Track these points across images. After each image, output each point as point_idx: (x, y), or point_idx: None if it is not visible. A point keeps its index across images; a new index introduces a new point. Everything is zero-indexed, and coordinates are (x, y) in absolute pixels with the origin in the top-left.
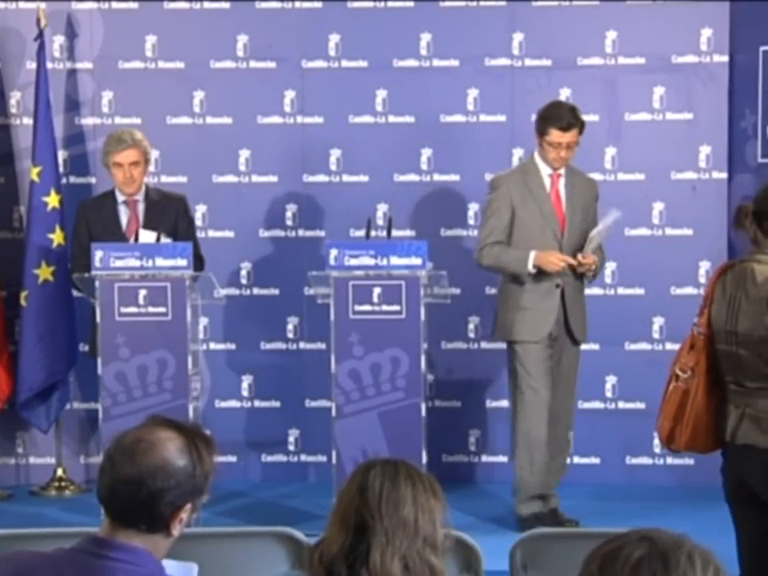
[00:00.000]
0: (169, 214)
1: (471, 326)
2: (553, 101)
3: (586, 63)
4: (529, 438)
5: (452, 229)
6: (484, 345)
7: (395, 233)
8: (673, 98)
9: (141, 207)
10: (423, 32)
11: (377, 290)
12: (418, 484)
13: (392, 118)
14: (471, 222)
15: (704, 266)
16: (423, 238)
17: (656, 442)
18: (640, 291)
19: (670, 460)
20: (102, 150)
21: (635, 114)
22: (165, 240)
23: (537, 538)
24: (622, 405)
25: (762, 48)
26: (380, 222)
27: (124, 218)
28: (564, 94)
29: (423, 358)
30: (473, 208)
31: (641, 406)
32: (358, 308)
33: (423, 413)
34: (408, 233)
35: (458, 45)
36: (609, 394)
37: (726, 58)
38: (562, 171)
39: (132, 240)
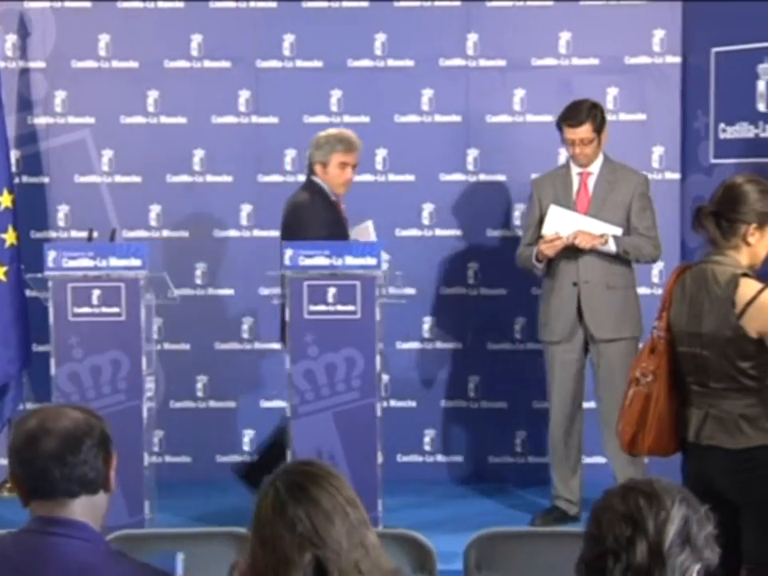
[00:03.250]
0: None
1: (426, 326)
2: (577, 99)
3: (540, 64)
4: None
5: (407, 229)
6: (439, 345)
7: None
8: (626, 99)
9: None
10: (378, 32)
11: (332, 290)
12: (325, 480)
13: (347, 118)
14: (426, 222)
15: (658, 267)
16: (379, 237)
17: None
18: None
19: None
20: (318, 147)
21: None
22: None
23: (490, 538)
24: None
25: (713, 49)
26: None
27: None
28: (518, 95)
29: (378, 358)
30: (427, 208)
31: (592, 405)
32: (312, 308)
33: (378, 413)
34: None
35: (412, 45)
36: None
37: (678, 59)
38: (594, 169)
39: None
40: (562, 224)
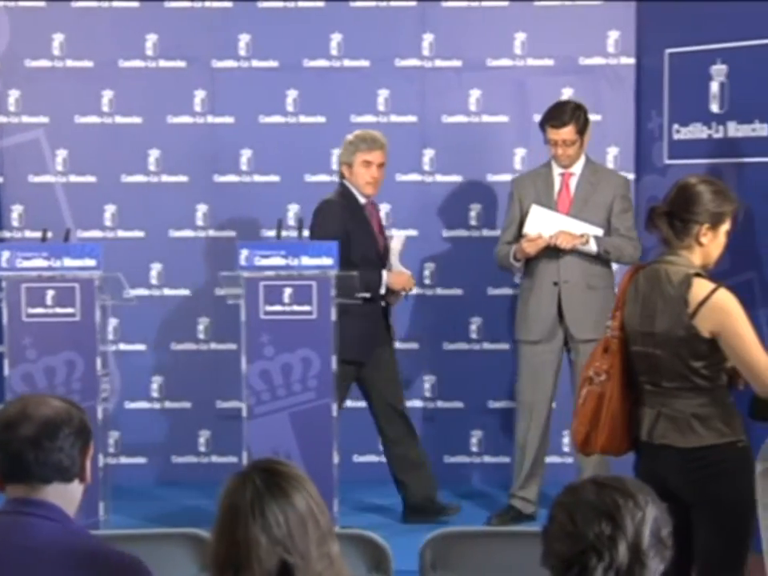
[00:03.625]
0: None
1: None
2: (559, 100)
3: (495, 64)
4: (516, 437)
5: None
6: (395, 344)
7: (306, 233)
8: (581, 100)
9: (375, 209)
10: (333, 32)
11: (288, 291)
12: (298, 482)
13: (303, 119)
14: (383, 222)
15: (613, 267)
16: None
17: (565, 440)
18: None
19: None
20: (344, 149)
21: None
22: None
23: (446, 537)
24: None
25: (667, 51)
26: (291, 222)
27: (374, 221)
28: (474, 95)
29: (334, 359)
30: (383, 208)
31: (551, 405)
32: (268, 308)
33: (334, 413)
34: None
35: (368, 45)
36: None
37: (632, 60)
38: (576, 170)
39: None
40: (543, 224)
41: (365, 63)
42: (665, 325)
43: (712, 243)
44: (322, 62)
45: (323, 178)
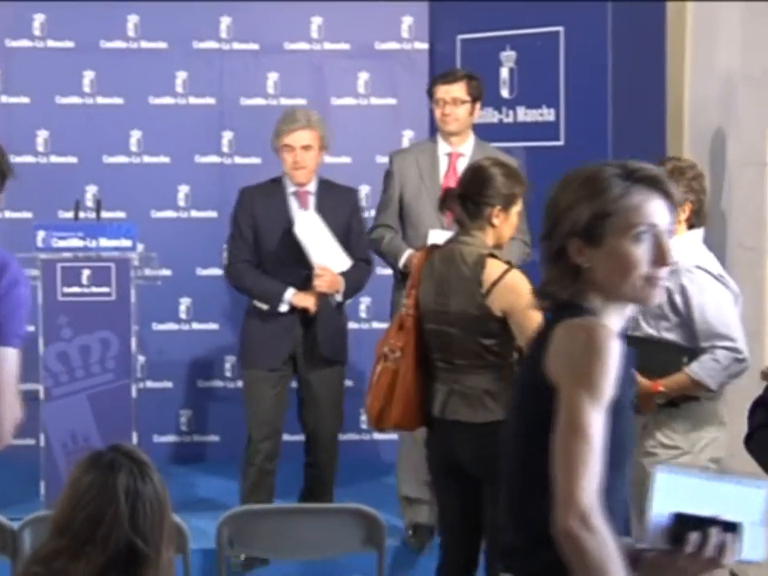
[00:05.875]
0: (341, 209)
1: (183, 307)
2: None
3: (292, 48)
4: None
5: (162, 210)
6: (195, 325)
7: (105, 214)
8: (377, 84)
9: (311, 200)
10: (131, 13)
11: (86, 272)
12: (160, 478)
13: (100, 100)
14: (182, 203)
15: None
16: (133, 219)
17: (363, 418)
18: None
19: (377, 435)
20: (274, 130)
21: (341, 99)
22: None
23: (242, 515)
24: None
25: (459, 37)
26: (89, 203)
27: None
28: (272, 78)
29: (134, 340)
30: (183, 190)
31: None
32: (66, 290)
33: (134, 394)
34: (118, 214)
35: (165, 27)
36: None
37: (425, 46)
38: (466, 150)
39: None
40: None
41: (162, 45)
42: (459, 304)
43: (504, 224)
44: (118, 43)
45: (122, 159)
